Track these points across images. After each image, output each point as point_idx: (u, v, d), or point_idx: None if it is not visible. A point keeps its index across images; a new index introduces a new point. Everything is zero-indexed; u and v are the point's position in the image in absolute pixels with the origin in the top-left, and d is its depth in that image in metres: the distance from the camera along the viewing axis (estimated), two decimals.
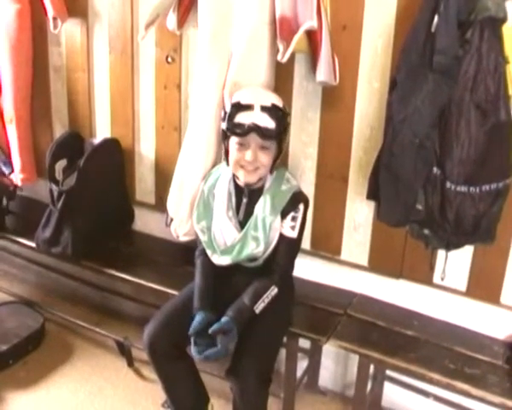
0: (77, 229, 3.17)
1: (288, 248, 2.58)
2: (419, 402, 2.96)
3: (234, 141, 2.47)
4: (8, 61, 3.39)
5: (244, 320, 2.43)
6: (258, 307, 2.45)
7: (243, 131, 2.41)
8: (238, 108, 2.44)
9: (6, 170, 3.59)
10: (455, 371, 2.49)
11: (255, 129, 2.39)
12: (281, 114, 2.45)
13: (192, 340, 2.41)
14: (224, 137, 2.51)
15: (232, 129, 2.44)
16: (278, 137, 2.46)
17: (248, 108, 2.42)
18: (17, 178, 3.61)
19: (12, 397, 3.06)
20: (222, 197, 2.62)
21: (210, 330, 2.37)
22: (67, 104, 3.57)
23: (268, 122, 2.40)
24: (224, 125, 2.48)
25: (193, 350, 2.40)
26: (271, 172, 2.56)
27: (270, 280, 2.52)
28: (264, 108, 2.41)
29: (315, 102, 2.83)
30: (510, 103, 2.30)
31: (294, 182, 2.61)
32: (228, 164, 2.56)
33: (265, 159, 2.47)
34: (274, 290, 2.50)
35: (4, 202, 3.62)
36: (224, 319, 2.41)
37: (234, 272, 2.65)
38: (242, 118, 2.41)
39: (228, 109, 2.48)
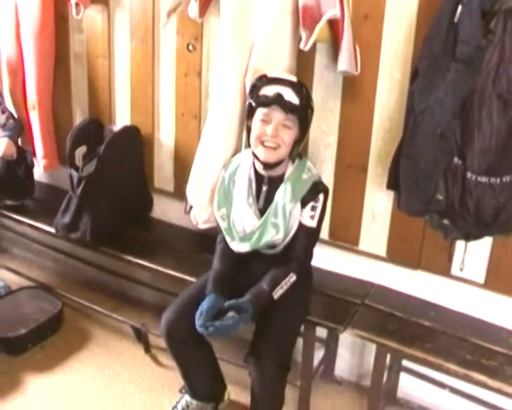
0: (96, 215, 3.19)
1: (306, 238, 2.59)
2: (435, 394, 2.96)
3: (257, 117, 2.48)
4: (32, 47, 3.45)
5: (262, 304, 2.45)
6: (277, 292, 2.47)
7: (267, 102, 2.43)
8: (264, 81, 2.48)
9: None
10: (471, 363, 2.49)
11: (279, 100, 2.41)
12: (305, 92, 2.49)
13: (198, 317, 2.43)
14: (249, 113, 2.52)
15: (257, 101, 2.46)
16: (301, 114, 2.47)
17: (274, 81, 2.46)
18: (40, 163, 3.66)
19: (30, 380, 3.09)
20: (242, 184, 2.63)
21: (226, 304, 2.42)
22: (88, 91, 3.59)
23: (292, 97, 2.43)
24: (248, 99, 2.51)
25: (198, 324, 2.42)
26: (293, 160, 2.57)
27: (289, 268, 2.53)
28: (289, 83, 2.46)
29: (335, 92, 2.83)
30: None
31: (315, 171, 2.62)
32: (249, 143, 2.56)
33: (286, 137, 2.48)
34: (292, 277, 2.51)
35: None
36: (242, 299, 2.43)
37: (252, 259, 2.66)
38: (268, 90, 2.45)
39: (254, 83, 2.51)
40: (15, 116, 3.65)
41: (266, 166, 2.55)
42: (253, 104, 2.48)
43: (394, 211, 2.82)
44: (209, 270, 2.69)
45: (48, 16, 3.42)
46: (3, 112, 3.57)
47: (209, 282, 2.58)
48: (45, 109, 3.59)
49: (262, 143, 2.49)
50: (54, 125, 3.68)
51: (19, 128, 3.62)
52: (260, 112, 2.47)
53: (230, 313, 2.40)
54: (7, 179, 3.54)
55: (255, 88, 2.49)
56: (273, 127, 2.45)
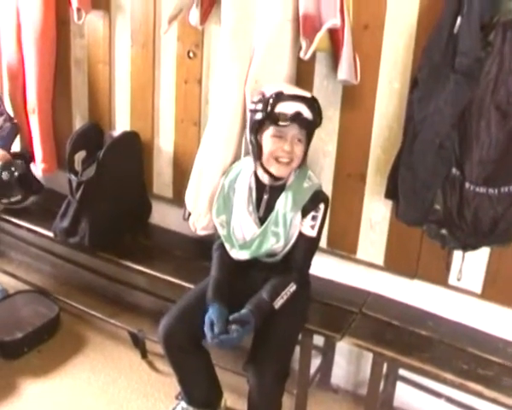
0: (94, 220, 3.19)
1: (306, 247, 2.60)
2: (431, 403, 2.96)
3: (269, 134, 2.47)
4: (33, 51, 3.45)
5: (263, 315, 2.45)
6: (278, 302, 2.47)
7: (286, 120, 2.41)
8: (280, 97, 2.43)
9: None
10: (468, 372, 2.49)
11: (299, 119, 2.41)
12: (317, 107, 2.49)
13: (207, 327, 2.43)
14: (258, 129, 2.49)
15: (273, 118, 2.42)
16: (314, 128, 2.49)
17: (290, 98, 2.43)
18: (38, 168, 3.66)
19: (26, 384, 3.08)
20: (242, 192, 2.64)
21: (230, 318, 2.41)
22: (88, 96, 3.59)
23: (308, 114, 2.44)
24: (259, 116, 2.46)
25: (208, 335, 2.42)
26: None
27: (289, 277, 2.54)
28: (303, 99, 2.44)
29: (335, 101, 2.83)
30: None
31: (316, 180, 2.63)
32: (257, 158, 2.55)
33: (299, 151, 2.49)
34: (293, 287, 2.52)
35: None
36: (243, 311, 2.43)
37: (251, 267, 2.67)
38: (285, 108, 2.41)
39: (267, 99, 2.44)
40: (13, 119, 3.65)
41: (276, 178, 2.56)
42: (268, 121, 2.44)
43: (392, 220, 2.82)
44: (207, 277, 2.69)
45: (49, 20, 3.42)
46: (1, 114, 3.58)
47: (209, 290, 2.57)
48: (45, 113, 3.59)
49: (276, 159, 2.49)
50: (53, 130, 3.68)
51: (14, 132, 3.64)
52: (273, 128, 2.45)
53: (234, 326, 2.40)
54: (15, 181, 3.56)
55: (270, 104, 2.42)
56: (289, 144, 2.45)
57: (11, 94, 3.71)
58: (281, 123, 2.42)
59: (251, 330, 2.43)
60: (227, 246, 2.68)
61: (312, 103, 2.47)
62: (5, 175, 3.50)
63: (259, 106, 2.47)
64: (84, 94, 3.61)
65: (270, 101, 2.43)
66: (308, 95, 2.49)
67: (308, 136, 2.51)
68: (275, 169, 2.51)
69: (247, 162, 2.67)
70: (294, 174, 2.59)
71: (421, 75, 2.39)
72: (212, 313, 2.45)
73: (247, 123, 2.63)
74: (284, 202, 2.55)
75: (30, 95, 3.55)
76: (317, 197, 2.58)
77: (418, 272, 2.87)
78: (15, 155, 3.64)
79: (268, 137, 2.48)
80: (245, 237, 2.64)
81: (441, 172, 2.44)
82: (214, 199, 2.74)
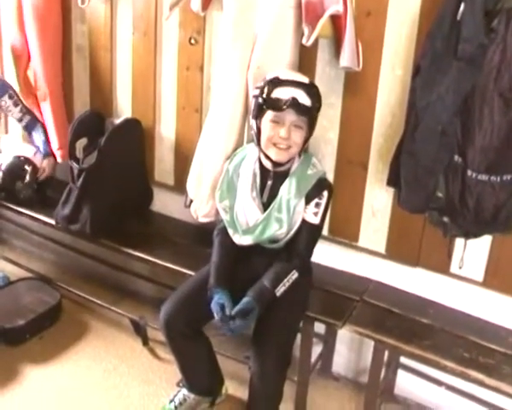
0: (96, 207, 3.19)
1: (309, 234, 2.59)
2: (432, 391, 2.96)
3: (267, 118, 2.46)
4: (38, 38, 3.42)
5: (265, 302, 2.45)
6: (279, 290, 2.47)
7: (282, 106, 2.40)
8: (277, 83, 2.43)
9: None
10: (469, 360, 2.49)
11: (294, 104, 2.39)
12: (316, 93, 2.48)
13: (217, 311, 2.43)
14: (258, 114, 2.49)
15: (270, 104, 2.43)
16: (312, 115, 2.47)
17: (287, 83, 2.43)
18: (56, 155, 3.63)
19: (27, 371, 3.10)
20: (247, 178, 2.63)
21: (233, 311, 2.40)
22: (89, 83, 3.59)
23: (305, 99, 2.42)
24: (258, 100, 2.47)
25: (218, 316, 2.42)
26: (299, 155, 2.57)
27: (291, 264, 2.53)
28: (302, 85, 2.43)
29: (337, 88, 2.82)
30: None
31: (320, 167, 2.62)
32: (258, 143, 2.54)
33: (298, 138, 2.48)
34: (295, 275, 2.51)
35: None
36: (245, 299, 2.43)
37: (254, 253, 2.67)
38: (281, 93, 2.41)
39: (265, 84, 2.46)
40: (30, 110, 3.60)
41: (276, 164, 2.55)
42: (265, 106, 2.44)
43: (394, 208, 2.82)
44: (208, 263, 2.68)
45: (53, 4, 3.41)
46: (16, 105, 3.54)
47: (212, 276, 2.58)
48: (56, 99, 3.56)
49: (274, 144, 2.48)
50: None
51: (41, 127, 3.61)
52: (272, 113, 2.45)
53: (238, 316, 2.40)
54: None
55: (266, 89, 2.43)
56: (286, 130, 2.44)
57: (19, 80, 3.64)
58: (277, 108, 2.41)
59: (255, 317, 2.43)
60: (230, 231, 2.68)
61: (310, 89, 2.46)
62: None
63: (258, 91, 2.48)
64: (85, 80, 3.60)
65: (267, 86, 2.44)
66: (306, 80, 2.48)
67: (309, 122, 2.49)
68: (273, 154, 2.51)
69: (252, 148, 2.67)
70: (299, 161, 2.58)
71: (423, 62, 2.37)
72: (219, 299, 2.46)
73: (250, 109, 2.63)
74: (288, 189, 2.55)
75: (40, 82, 3.51)
76: (321, 184, 2.58)
77: (420, 260, 2.86)
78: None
79: (266, 122, 2.48)
80: (248, 222, 2.64)
81: (443, 160, 2.43)
82: (218, 184, 2.73)
